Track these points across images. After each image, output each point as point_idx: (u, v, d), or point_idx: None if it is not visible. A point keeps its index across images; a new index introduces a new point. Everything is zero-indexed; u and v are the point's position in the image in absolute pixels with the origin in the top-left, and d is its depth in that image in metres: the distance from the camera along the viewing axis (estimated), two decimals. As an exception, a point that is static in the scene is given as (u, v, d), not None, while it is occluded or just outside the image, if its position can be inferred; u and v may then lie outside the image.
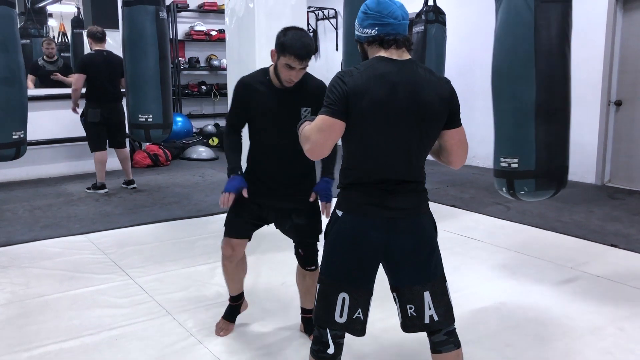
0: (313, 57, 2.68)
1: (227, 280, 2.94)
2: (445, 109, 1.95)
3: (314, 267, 2.76)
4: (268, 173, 2.67)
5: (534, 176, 3.09)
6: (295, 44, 2.40)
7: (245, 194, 2.63)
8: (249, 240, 2.82)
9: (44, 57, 7.47)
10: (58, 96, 7.02)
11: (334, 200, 2.10)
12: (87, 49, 8.49)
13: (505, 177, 3.17)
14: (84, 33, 8.61)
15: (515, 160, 3.07)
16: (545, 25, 3.01)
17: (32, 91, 5.77)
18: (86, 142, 6.39)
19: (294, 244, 2.78)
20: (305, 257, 2.75)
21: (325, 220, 2.65)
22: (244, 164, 2.76)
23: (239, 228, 2.77)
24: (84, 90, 5.97)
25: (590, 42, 6.37)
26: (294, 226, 2.69)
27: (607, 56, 6.29)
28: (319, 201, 2.66)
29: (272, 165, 2.66)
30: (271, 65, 2.58)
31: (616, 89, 6.35)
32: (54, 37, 9.28)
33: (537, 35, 3.01)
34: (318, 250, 2.74)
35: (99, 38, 6.00)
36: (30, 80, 7.23)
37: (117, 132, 6.10)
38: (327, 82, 2.02)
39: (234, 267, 2.87)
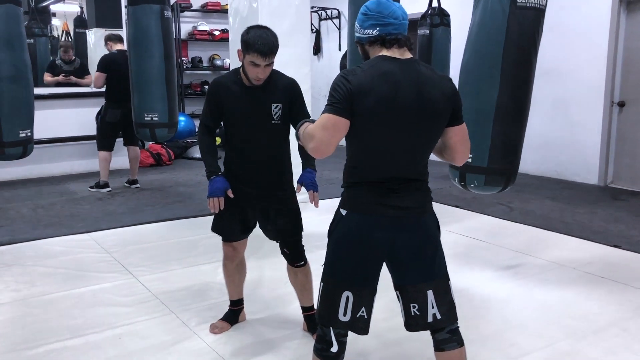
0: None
1: (227, 283, 2.98)
2: (449, 107, 1.96)
3: (302, 263, 2.80)
4: (244, 173, 2.69)
5: (485, 172, 3.30)
6: (258, 41, 2.46)
7: (230, 194, 2.65)
8: (246, 238, 2.87)
9: (60, 56, 7.50)
10: (62, 95, 7.05)
11: (334, 200, 2.10)
12: (90, 49, 8.55)
13: (459, 169, 3.39)
14: (87, 32, 8.65)
15: (470, 155, 3.21)
16: (517, 31, 3.15)
17: (36, 90, 5.79)
18: (90, 142, 6.41)
19: (278, 245, 2.81)
20: (291, 254, 2.79)
21: (307, 216, 2.76)
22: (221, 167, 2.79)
23: (233, 231, 2.81)
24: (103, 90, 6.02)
25: (593, 43, 6.37)
26: (275, 226, 2.73)
27: (610, 57, 6.28)
28: (307, 191, 2.65)
29: (247, 164, 2.69)
30: (237, 49, 2.63)
31: (619, 89, 6.34)
32: (68, 39, 9.28)
33: (507, 40, 3.14)
34: (303, 246, 2.81)
35: (119, 38, 6.08)
36: (48, 77, 7.29)
37: (133, 130, 6.13)
38: (330, 82, 2.02)
39: (234, 268, 2.91)
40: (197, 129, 9.90)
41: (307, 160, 2.69)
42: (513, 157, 3.34)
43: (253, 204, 2.72)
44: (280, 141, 2.71)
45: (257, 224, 2.83)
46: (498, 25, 3.14)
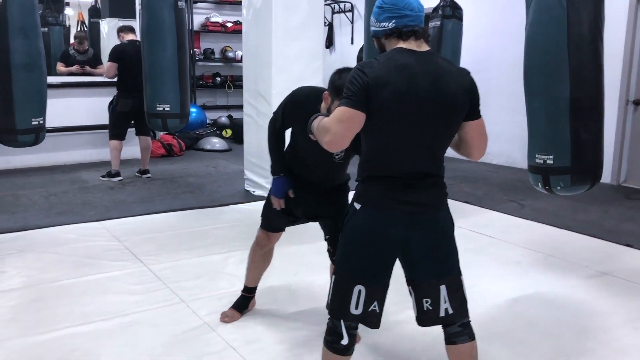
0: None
1: (249, 268, 2.99)
2: (467, 100, 1.94)
3: None
4: (302, 176, 2.70)
5: (570, 172, 3.10)
6: None
7: (291, 194, 2.68)
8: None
9: (74, 46, 7.54)
10: (75, 84, 7.08)
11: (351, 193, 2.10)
12: (103, 39, 8.57)
13: (541, 173, 3.18)
14: (101, 22, 8.67)
15: (551, 157, 3.09)
16: (578, 21, 2.99)
17: (49, 79, 5.82)
18: (102, 131, 6.43)
19: (326, 241, 2.82)
20: (334, 253, 2.77)
21: None
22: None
23: (277, 222, 2.83)
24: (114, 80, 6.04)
25: (609, 40, 6.24)
26: (327, 226, 2.76)
27: (626, 54, 6.21)
28: None
29: (304, 170, 2.69)
30: (325, 91, 2.43)
31: (635, 88, 6.27)
32: (84, 29, 9.31)
33: (569, 32, 2.99)
34: None
35: (131, 29, 6.11)
36: (62, 66, 7.33)
37: (145, 120, 6.16)
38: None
39: (262, 255, 2.94)
40: (207, 121, 9.92)
41: None
42: (596, 152, 3.17)
43: (308, 212, 2.75)
44: (342, 171, 2.72)
45: (307, 218, 2.82)
46: (557, 18, 3.00)
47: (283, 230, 2.89)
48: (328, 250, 2.82)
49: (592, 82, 3.09)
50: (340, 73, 2.30)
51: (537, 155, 3.16)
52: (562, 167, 3.09)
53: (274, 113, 2.70)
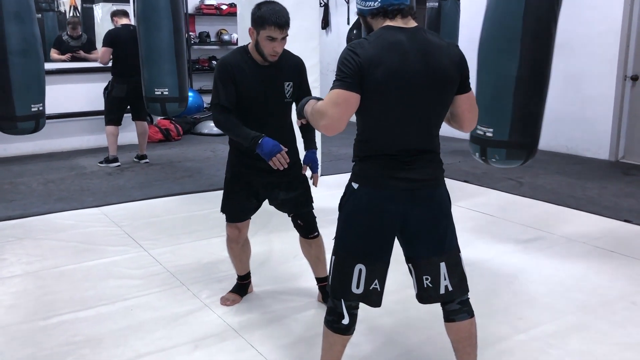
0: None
1: (234, 262, 3.01)
2: (458, 74, 1.93)
3: (316, 234, 2.84)
4: (255, 155, 2.61)
5: (506, 146, 3.28)
6: (272, 15, 2.45)
7: (285, 149, 2.52)
8: (250, 218, 2.88)
9: (68, 32, 7.47)
10: (70, 70, 7.03)
11: (344, 175, 2.09)
12: (97, 24, 8.49)
13: (480, 144, 3.36)
14: (95, 7, 8.58)
15: (491, 130, 3.25)
16: (535, 3, 3.09)
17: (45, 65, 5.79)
18: (98, 117, 6.40)
19: (290, 217, 2.82)
20: (305, 226, 2.81)
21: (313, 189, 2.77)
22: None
23: (240, 212, 2.82)
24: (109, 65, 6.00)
25: (607, 16, 6.25)
26: (287, 199, 2.75)
27: (624, 30, 6.17)
28: (310, 172, 2.74)
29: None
30: (248, 44, 2.61)
31: (633, 63, 6.24)
32: (76, 14, 9.22)
33: (526, 12, 3.09)
34: (315, 217, 2.83)
35: (124, 13, 6.05)
36: (55, 53, 7.27)
37: (141, 105, 6.12)
38: (338, 57, 1.99)
39: (240, 249, 2.94)
40: (204, 105, 9.85)
41: (310, 139, 2.75)
42: (534, 130, 3.31)
43: (264, 178, 2.71)
44: (289, 118, 2.73)
45: (266, 199, 2.83)
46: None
47: (248, 218, 2.85)
48: (297, 225, 2.80)
49: (540, 62, 3.20)
50: (259, 5, 2.49)
51: (478, 127, 3.27)
52: (499, 140, 3.26)
53: (213, 98, 2.61)
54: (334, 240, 2.05)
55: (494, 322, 2.78)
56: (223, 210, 2.84)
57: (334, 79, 1.88)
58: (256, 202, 2.82)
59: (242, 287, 3.06)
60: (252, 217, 2.90)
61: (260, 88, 2.60)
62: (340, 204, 2.05)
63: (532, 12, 3.08)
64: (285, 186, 2.73)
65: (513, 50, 3.13)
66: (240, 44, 5.65)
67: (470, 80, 2.02)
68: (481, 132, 3.30)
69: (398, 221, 1.96)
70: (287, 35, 2.53)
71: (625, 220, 4.31)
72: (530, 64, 3.16)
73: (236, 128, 2.58)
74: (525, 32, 3.10)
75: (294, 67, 2.67)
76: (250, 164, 2.68)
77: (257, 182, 2.74)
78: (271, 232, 3.97)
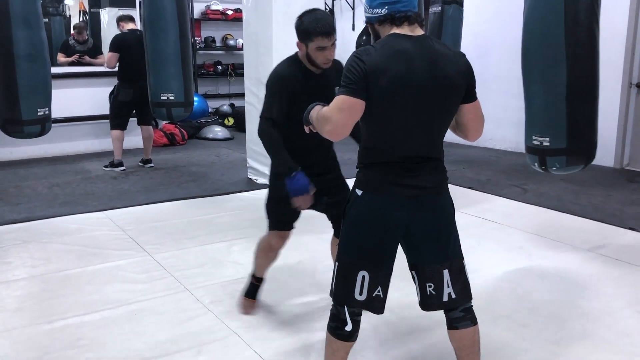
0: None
1: (261, 264, 2.93)
2: (464, 83, 1.94)
3: None
4: (307, 158, 2.62)
5: (565, 153, 3.23)
6: (318, 24, 2.42)
7: (312, 190, 2.54)
8: None
9: (74, 37, 7.51)
10: (77, 75, 7.07)
11: (348, 181, 2.10)
12: (103, 29, 8.54)
13: (538, 154, 3.31)
14: (101, 12, 8.63)
15: (547, 139, 3.22)
16: (574, 7, 3.05)
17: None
18: (104, 121, 6.42)
19: (331, 220, 2.80)
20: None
21: None
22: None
23: (288, 220, 2.76)
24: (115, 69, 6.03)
25: (611, 22, 6.23)
26: (332, 203, 2.70)
27: (629, 37, 6.16)
28: None
29: (310, 150, 2.63)
30: (296, 52, 2.58)
31: (638, 71, 6.23)
32: (85, 19, 9.27)
33: (566, 17, 3.05)
34: None
35: (130, 18, 6.09)
36: (62, 57, 7.31)
37: (147, 109, 6.14)
38: (343, 62, 2.00)
39: (274, 256, 2.89)
40: (209, 110, 9.86)
41: None
42: (590, 133, 3.28)
43: (319, 187, 2.64)
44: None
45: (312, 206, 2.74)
46: (553, 3, 3.06)
47: (294, 226, 2.80)
48: (338, 229, 2.73)
49: (588, 66, 3.18)
50: (302, 17, 2.48)
51: (534, 137, 3.26)
52: (558, 148, 3.21)
53: (264, 110, 2.57)
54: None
55: (497, 329, 2.77)
56: (270, 218, 2.76)
57: (341, 84, 1.89)
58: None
59: (256, 289, 2.99)
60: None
61: (317, 96, 2.46)
62: (344, 210, 2.05)
63: (571, 16, 3.05)
64: (330, 190, 2.69)
65: (559, 56, 3.10)
66: (245, 48, 5.69)
67: (479, 89, 2.02)
68: (537, 143, 3.25)
69: (402, 228, 1.96)
70: (336, 39, 2.50)
71: (630, 228, 4.30)
72: (578, 67, 3.13)
73: (278, 149, 2.55)
74: (568, 39, 3.07)
75: (340, 71, 2.51)
76: (305, 172, 2.60)
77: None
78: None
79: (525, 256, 3.78)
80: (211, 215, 4.57)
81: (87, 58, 7.33)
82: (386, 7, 1.93)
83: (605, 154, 6.45)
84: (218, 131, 8.45)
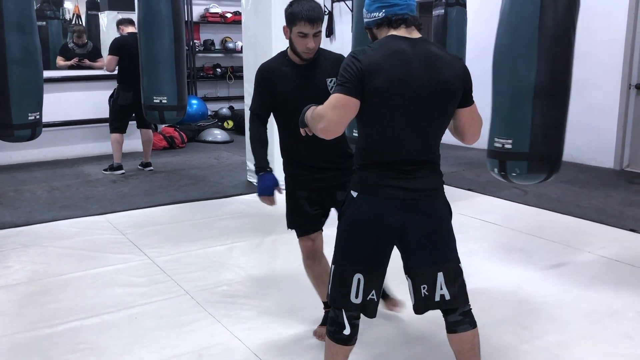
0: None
1: (315, 285, 2.76)
2: (461, 87, 1.94)
3: None
4: (307, 155, 2.57)
5: (527, 158, 3.03)
6: (303, 9, 2.41)
7: (279, 191, 2.56)
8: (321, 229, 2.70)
9: (73, 40, 7.51)
10: (76, 78, 7.07)
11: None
12: (102, 32, 8.56)
13: (498, 157, 3.12)
14: (100, 15, 8.65)
15: (510, 141, 3.03)
16: (552, 6, 2.95)
17: (49, 73, 5.79)
18: (103, 124, 6.41)
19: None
20: None
21: None
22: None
23: (308, 222, 2.65)
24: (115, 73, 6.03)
25: (611, 24, 6.25)
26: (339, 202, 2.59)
27: (628, 38, 6.17)
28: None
29: (308, 145, 2.49)
30: (287, 47, 2.57)
31: (637, 72, 6.24)
32: (80, 23, 9.27)
33: (542, 16, 2.95)
34: None
35: (130, 21, 6.09)
36: (61, 60, 7.31)
37: None
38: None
39: (319, 266, 2.71)
40: (209, 113, 9.87)
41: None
42: (557, 141, 3.10)
43: (321, 182, 2.60)
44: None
45: (331, 205, 2.66)
46: (531, 1, 2.96)
47: (319, 228, 2.67)
48: None
49: (560, 69, 3.03)
50: (291, 3, 2.46)
51: (496, 139, 3.09)
52: (520, 152, 3.02)
53: (252, 105, 2.62)
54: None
55: (498, 332, 2.77)
56: (290, 225, 2.68)
57: (336, 83, 1.89)
58: (320, 209, 2.65)
59: (327, 314, 2.71)
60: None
61: (301, 88, 2.50)
62: (339, 213, 2.05)
63: (548, 16, 2.95)
64: (342, 186, 2.54)
65: (530, 56, 2.97)
66: (244, 51, 5.69)
67: (479, 91, 2.02)
68: (499, 145, 3.08)
69: (396, 231, 1.96)
70: (320, 31, 2.45)
71: (631, 230, 4.30)
72: (549, 71, 3.00)
73: (256, 144, 2.60)
74: (541, 38, 2.95)
75: (336, 63, 2.45)
76: (308, 170, 2.59)
77: (315, 187, 2.61)
78: (277, 239, 3.97)
79: (526, 258, 3.77)
80: (211, 219, 4.56)
81: (86, 61, 7.33)
82: (383, 10, 1.93)
83: (605, 155, 6.46)
84: (217, 134, 8.45)
